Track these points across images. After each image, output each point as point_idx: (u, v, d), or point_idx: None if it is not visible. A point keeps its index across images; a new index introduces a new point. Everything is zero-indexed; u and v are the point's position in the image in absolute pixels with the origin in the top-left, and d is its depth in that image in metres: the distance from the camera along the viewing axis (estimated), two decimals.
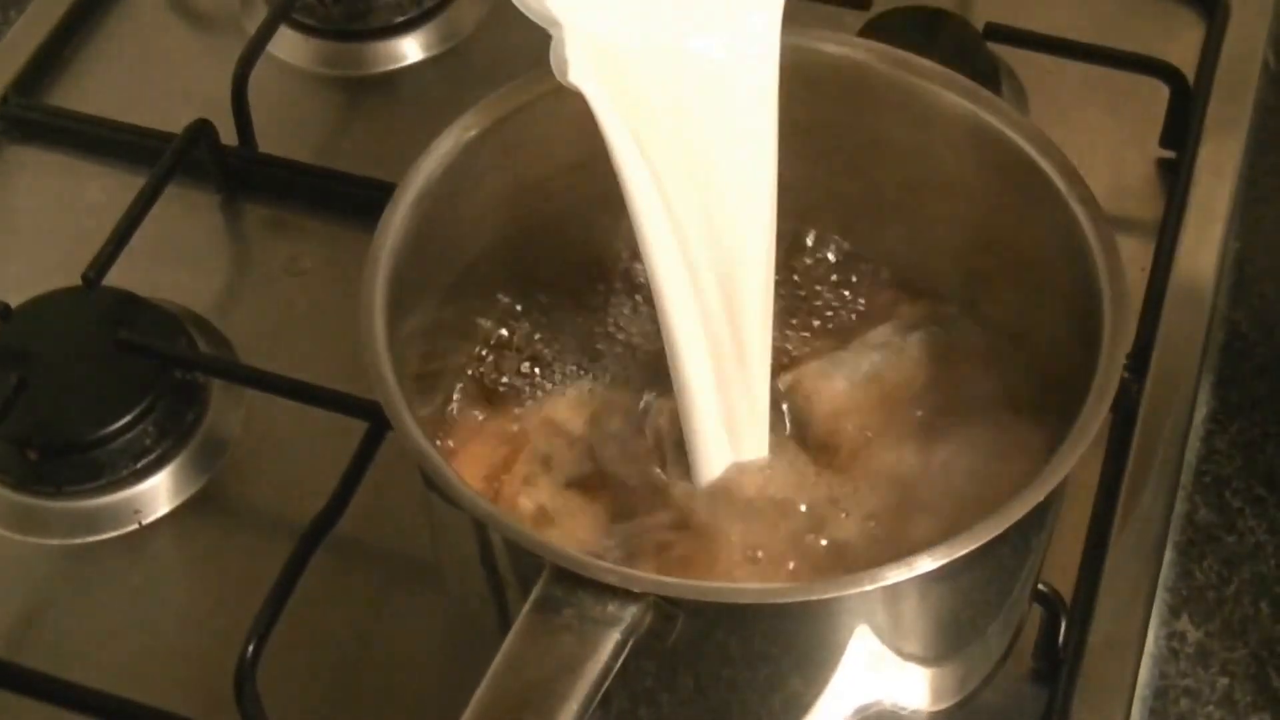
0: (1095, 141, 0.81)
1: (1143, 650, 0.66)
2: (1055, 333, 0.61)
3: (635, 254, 0.67)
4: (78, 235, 0.78)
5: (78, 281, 0.75)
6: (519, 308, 0.66)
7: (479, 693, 0.50)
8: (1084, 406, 0.54)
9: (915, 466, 0.61)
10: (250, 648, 0.62)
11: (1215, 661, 0.66)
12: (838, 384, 0.63)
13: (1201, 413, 0.73)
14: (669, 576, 0.54)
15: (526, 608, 0.51)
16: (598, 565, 0.51)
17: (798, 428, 0.63)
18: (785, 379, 0.63)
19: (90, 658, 0.67)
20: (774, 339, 0.60)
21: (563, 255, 0.67)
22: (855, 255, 0.67)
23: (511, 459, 0.62)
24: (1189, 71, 0.81)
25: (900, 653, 0.56)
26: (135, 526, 0.71)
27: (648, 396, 0.64)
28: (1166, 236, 0.76)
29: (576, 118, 0.55)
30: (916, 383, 0.64)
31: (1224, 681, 0.66)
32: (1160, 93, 0.81)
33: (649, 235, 0.56)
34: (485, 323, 0.66)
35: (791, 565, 0.58)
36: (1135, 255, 0.75)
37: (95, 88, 0.87)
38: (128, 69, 0.88)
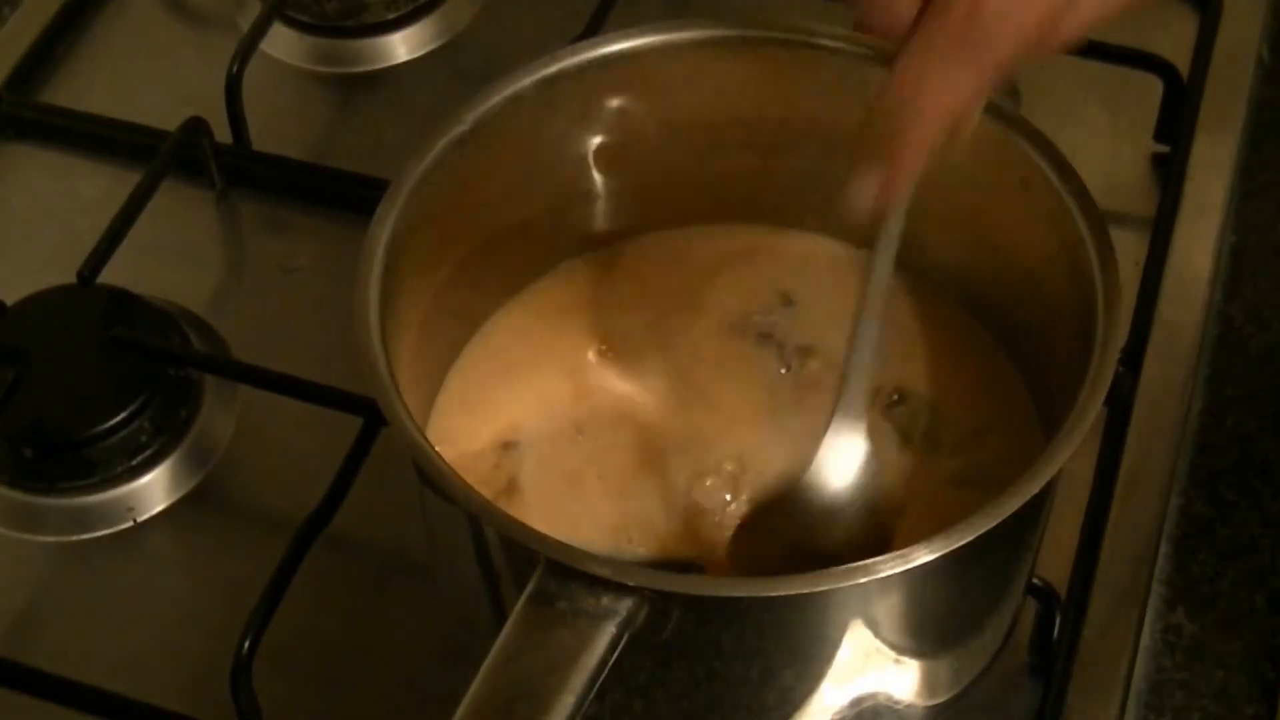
0: (1089, 136, 0.81)
1: (1138, 644, 0.66)
2: (1050, 327, 0.61)
3: (622, 244, 0.67)
4: (72, 233, 0.78)
5: (72, 279, 0.75)
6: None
7: (474, 686, 0.50)
8: (1078, 400, 0.54)
9: None
10: (246, 644, 0.62)
11: (1210, 655, 0.66)
12: None
13: (1196, 406, 0.73)
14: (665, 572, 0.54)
15: (521, 601, 0.51)
16: (592, 558, 0.51)
17: None
18: None
19: (85, 655, 0.67)
20: None
21: (555, 248, 0.67)
22: None
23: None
24: (1183, 65, 0.81)
25: (895, 646, 0.56)
26: (130, 524, 0.71)
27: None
28: (1161, 231, 0.76)
29: (568, 110, 0.55)
30: None
31: (1219, 675, 0.66)
32: (1154, 87, 0.80)
33: None
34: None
35: None
36: (1130, 249, 0.76)
37: (89, 85, 0.87)
38: (122, 66, 0.88)
